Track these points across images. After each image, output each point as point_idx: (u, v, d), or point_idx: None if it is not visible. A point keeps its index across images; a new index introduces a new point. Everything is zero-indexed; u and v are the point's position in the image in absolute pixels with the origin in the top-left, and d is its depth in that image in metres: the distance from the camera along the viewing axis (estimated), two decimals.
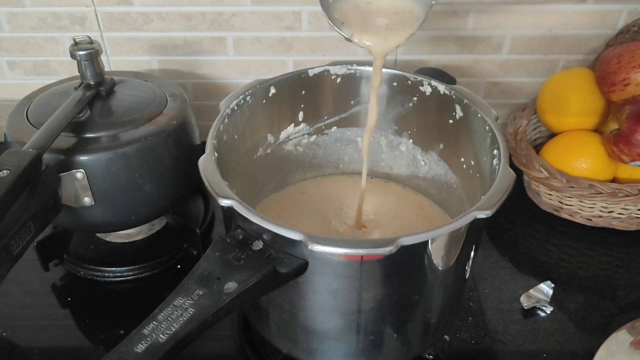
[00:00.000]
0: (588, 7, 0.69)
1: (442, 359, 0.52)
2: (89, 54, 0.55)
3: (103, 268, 0.60)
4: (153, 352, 0.34)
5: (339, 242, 0.36)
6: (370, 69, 0.54)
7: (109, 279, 0.60)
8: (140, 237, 0.64)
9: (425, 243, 0.38)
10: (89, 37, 0.56)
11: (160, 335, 0.34)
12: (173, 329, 0.35)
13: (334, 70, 0.55)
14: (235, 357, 0.53)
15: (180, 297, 0.36)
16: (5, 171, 0.44)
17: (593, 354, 0.49)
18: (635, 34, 0.67)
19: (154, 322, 0.35)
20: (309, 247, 0.36)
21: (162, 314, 0.35)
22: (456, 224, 0.38)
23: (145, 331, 0.35)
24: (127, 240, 0.64)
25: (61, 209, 0.51)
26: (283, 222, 0.38)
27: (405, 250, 0.37)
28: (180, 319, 0.35)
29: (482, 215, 0.38)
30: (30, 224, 0.47)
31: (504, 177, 0.41)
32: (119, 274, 0.60)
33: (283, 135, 0.58)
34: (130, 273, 0.60)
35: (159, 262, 0.60)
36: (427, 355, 0.51)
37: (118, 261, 0.61)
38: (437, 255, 0.40)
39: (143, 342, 0.34)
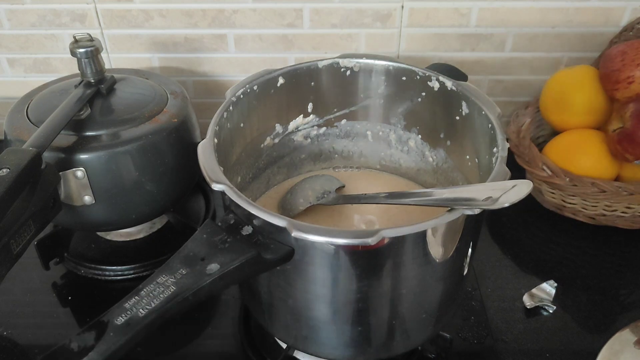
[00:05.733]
0: (592, 4, 0.68)
1: (444, 358, 0.51)
2: (89, 52, 0.54)
3: (104, 267, 0.60)
4: (132, 325, 0.35)
5: (322, 231, 0.37)
6: (379, 62, 0.55)
7: (110, 278, 0.60)
8: (141, 235, 0.64)
9: (411, 237, 0.38)
10: (89, 35, 0.56)
11: (140, 310, 0.35)
12: (153, 305, 0.36)
13: (344, 63, 0.55)
14: (236, 356, 0.52)
15: (164, 275, 0.38)
16: (5, 170, 0.43)
17: (596, 354, 0.49)
18: (639, 31, 0.67)
19: (136, 297, 0.36)
20: (292, 234, 0.36)
21: (144, 289, 0.37)
22: (441, 219, 0.38)
23: (127, 305, 0.36)
24: (128, 239, 0.63)
25: (61, 208, 0.51)
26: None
27: (392, 243, 0.37)
28: (161, 295, 0.36)
29: (469, 212, 0.37)
30: (30, 223, 0.46)
31: (498, 175, 0.41)
32: (120, 273, 0.60)
33: (292, 125, 0.58)
34: (131, 272, 0.60)
35: (160, 260, 0.60)
36: (428, 355, 0.51)
37: (119, 260, 0.61)
38: (426, 249, 0.40)
39: (123, 315, 0.35)
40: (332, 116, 0.59)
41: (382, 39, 0.71)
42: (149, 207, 0.57)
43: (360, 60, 0.55)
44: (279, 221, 0.37)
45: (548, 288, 0.57)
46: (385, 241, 0.37)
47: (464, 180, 0.55)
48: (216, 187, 0.40)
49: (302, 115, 0.58)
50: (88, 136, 0.53)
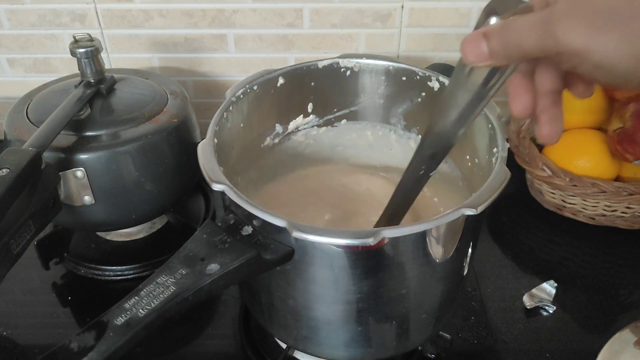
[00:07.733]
0: None
1: (444, 358, 0.51)
2: (89, 52, 0.54)
3: (103, 267, 0.60)
4: (132, 325, 0.35)
5: (322, 231, 0.37)
6: (379, 62, 0.55)
7: (110, 278, 0.60)
8: (141, 235, 0.64)
9: (411, 237, 0.38)
10: (89, 35, 0.56)
11: (140, 310, 0.35)
12: (153, 305, 0.36)
13: (344, 63, 0.55)
14: (236, 356, 0.52)
15: (163, 275, 0.38)
16: (5, 170, 0.43)
17: (596, 354, 0.49)
18: None
19: (136, 297, 0.36)
20: (293, 235, 0.36)
21: (144, 290, 0.37)
22: (441, 220, 0.38)
23: (127, 305, 0.36)
24: (128, 239, 0.63)
25: (61, 208, 0.51)
26: (289, 214, 0.38)
27: (392, 243, 0.37)
28: (161, 295, 0.36)
29: (469, 212, 0.37)
30: (30, 223, 0.46)
31: (498, 175, 0.41)
32: (120, 273, 0.60)
33: (292, 125, 0.58)
34: (131, 272, 0.60)
35: (160, 260, 0.60)
36: (428, 355, 0.51)
37: (118, 260, 0.61)
38: (426, 249, 0.40)
39: (123, 315, 0.35)
40: (332, 116, 0.59)
41: (382, 39, 0.71)
42: (149, 207, 0.57)
43: (360, 60, 0.55)
44: (279, 221, 0.37)
45: (548, 288, 0.57)
46: (385, 241, 0.37)
47: (462, 181, 0.55)
48: (216, 187, 0.40)
49: (302, 115, 0.58)
50: (88, 136, 0.53)
